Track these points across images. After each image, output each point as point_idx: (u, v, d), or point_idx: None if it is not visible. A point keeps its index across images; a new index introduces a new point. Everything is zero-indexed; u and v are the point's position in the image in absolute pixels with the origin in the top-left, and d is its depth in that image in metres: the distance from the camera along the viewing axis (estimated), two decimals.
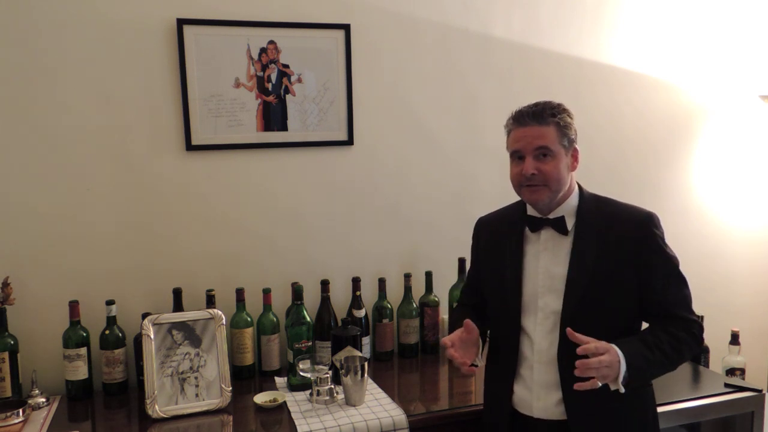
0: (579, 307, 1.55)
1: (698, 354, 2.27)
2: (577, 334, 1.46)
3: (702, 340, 1.59)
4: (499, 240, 1.72)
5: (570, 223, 1.61)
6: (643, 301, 1.58)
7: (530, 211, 1.66)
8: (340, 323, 2.15)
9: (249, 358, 2.16)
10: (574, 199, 1.63)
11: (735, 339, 2.30)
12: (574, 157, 1.61)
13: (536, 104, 1.59)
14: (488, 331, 1.78)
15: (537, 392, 1.61)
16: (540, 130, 1.55)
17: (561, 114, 1.57)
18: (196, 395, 1.91)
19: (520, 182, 1.59)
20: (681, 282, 1.59)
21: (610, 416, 1.58)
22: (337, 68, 2.28)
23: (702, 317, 2.26)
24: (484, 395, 1.79)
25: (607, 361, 1.41)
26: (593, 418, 1.58)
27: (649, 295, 1.57)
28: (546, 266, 1.61)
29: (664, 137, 2.75)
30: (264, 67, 2.20)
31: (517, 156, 1.60)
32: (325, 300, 2.22)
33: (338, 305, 2.29)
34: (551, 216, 1.62)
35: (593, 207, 1.63)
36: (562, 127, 1.56)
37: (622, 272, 1.56)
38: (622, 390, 1.45)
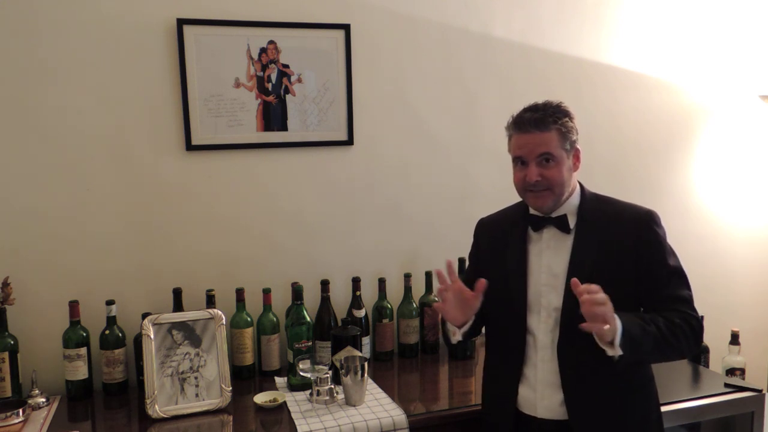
0: (578, 304, 1.55)
1: (698, 353, 2.27)
2: (581, 286, 1.42)
3: (701, 337, 1.58)
4: (501, 240, 1.72)
5: (572, 222, 1.62)
6: (642, 298, 1.58)
7: (532, 210, 1.67)
8: (340, 323, 2.15)
9: (249, 358, 2.16)
10: (575, 198, 1.64)
11: (735, 339, 2.30)
12: (576, 157, 1.62)
13: (536, 108, 1.59)
14: (482, 329, 1.78)
15: (541, 392, 1.61)
16: (542, 137, 1.56)
17: (562, 119, 1.57)
18: (196, 395, 1.91)
19: (524, 187, 1.61)
20: (681, 281, 1.59)
21: (612, 416, 1.58)
22: (337, 68, 2.28)
23: (702, 317, 2.28)
24: (484, 395, 1.78)
25: (609, 305, 1.39)
26: (595, 417, 1.58)
27: (649, 293, 1.57)
28: (548, 264, 1.62)
29: (664, 137, 2.75)
30: (264, 67, 2.20)
31: (519, 161, 1.61)
32: (325, 300, 2.22)
33: (338, 305, 2.29)
34: (553, 215, 1.63)
35: (594, 206, 1.64)
36: (563, 133, 1.57)
37: (623, 270, 1.56)
38: (620, 352, 1.41)
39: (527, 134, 1.57)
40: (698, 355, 2.27)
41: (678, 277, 1.59)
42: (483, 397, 1.79)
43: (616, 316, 1.42)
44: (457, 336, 1.66)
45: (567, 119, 1.58)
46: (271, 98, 2.22)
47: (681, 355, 1.61)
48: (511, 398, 1.65)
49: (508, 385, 1.66)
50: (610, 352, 1.44)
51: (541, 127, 1.56)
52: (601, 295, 1.40)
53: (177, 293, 2.09)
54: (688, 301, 1.58)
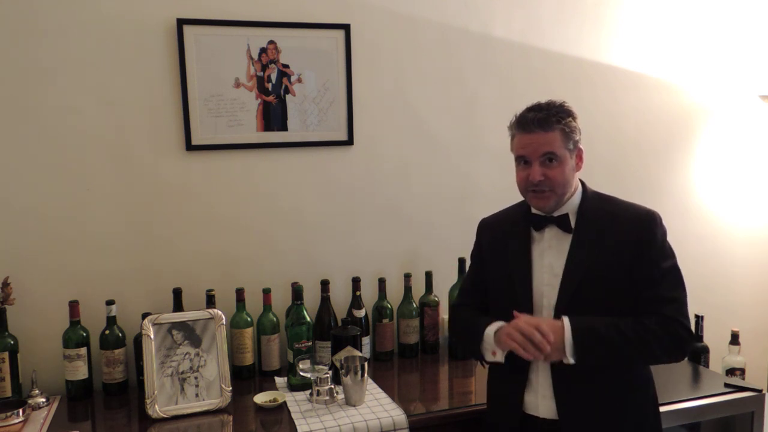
0: (573, 302, 1.55)
1: (697, 353, 2.26)
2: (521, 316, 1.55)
3: (681, 340, 1.54)
4: (503, 240, 1.72)
5: (574, 221, 1.62)
6: (636, 297, 1.57)
7: (534, 210, 1.67)
8: (340, 323, 2.15)
9: (249, 358, 2.16)
10: (577, 198, 1.64)
11: (735, 339, 2.30)
12: (579, 157, 1.62)
13: (539, 108, 1.59)
14: None
15: (543, 392, 1.61)
16: (546, 137, 1.55)
17: (566, 119, 1.57)
18: (196, 395, 1.91)
19: (526, 187, 1.61)
20: (676, 283, 1.58)
21: (604, 416, 1.58)
22: (337, 68, 2.28)
23: (702, 317, 2.29)
24: (489, 395, 1.78)
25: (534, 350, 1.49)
26: (586, 417, 1.57)
27: (642, 292, 1.56)
28: (550, 264, 1.62)
29: (664, 137, 2.75)
30: (264, 67, 2.20)
31: (522, 161, 1.61)
32: (325, 300, 2.22)
33: (338, 305, 2.29)
34: (555, 214, 1.63)
35: (596, 204, 1.63)
36: (567, 132, 1.57)
37: (620, 270, 1.56)
38: (572, 361, 1.50)
39: (531, 134, 1.57)
40: (698, 355, 2.26)
41: (671, 278, 1.57)
42: (488, 397, 1.79)
43: (567, 325, 1.50)
44: (498, 357, 1.63)
45: (570, 119, 1.58)
46: (271, 98, 2.22)
47: (657, 359, 1.59)
48: (517, 398, 1.65)
49: (513, 386, 1.66)
50: (564, 360, 1.52)
51: (545, 127, 1.55)
52: (519, 349, 1.51)
53: (177, 293, 2.09)
54: (678, 302, 1.56)
